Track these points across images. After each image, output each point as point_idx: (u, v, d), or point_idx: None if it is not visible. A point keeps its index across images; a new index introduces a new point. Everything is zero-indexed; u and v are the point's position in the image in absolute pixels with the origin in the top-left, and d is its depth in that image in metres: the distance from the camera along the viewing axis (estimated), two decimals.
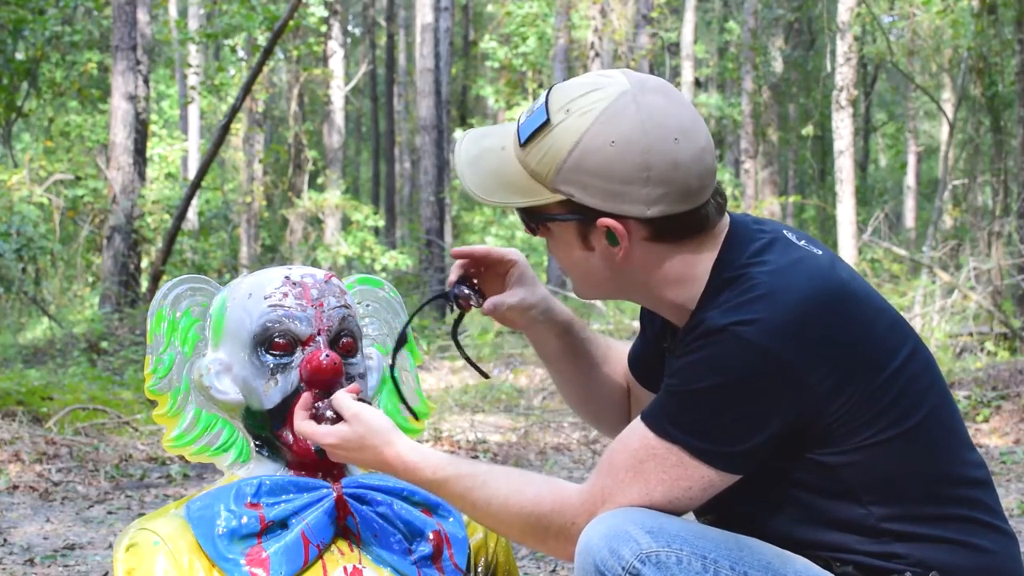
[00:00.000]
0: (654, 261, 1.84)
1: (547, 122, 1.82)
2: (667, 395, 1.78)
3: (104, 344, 11.53)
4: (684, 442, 1.75)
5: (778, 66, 21.05)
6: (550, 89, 1.87)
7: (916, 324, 10.46)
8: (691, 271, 1.84)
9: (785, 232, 1.89)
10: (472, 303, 2.07)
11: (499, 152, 1.88)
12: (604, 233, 1.82)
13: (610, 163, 1.78)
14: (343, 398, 1.95)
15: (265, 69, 18.13)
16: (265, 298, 2.03)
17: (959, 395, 7.55)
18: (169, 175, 20.52)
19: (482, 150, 1.90)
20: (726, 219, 1.89)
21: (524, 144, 1.84)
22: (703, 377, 1.74)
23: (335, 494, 1.97)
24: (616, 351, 2.21)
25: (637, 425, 1.80)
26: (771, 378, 1.72)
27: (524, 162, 1.84)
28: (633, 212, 1.79)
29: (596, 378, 2.18)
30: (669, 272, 1.84)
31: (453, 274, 2.09)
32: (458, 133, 21.53)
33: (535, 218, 1.87)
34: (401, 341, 2.11)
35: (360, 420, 1.92)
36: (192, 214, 18.79)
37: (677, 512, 1.79)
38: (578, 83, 1.85)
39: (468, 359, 2.12)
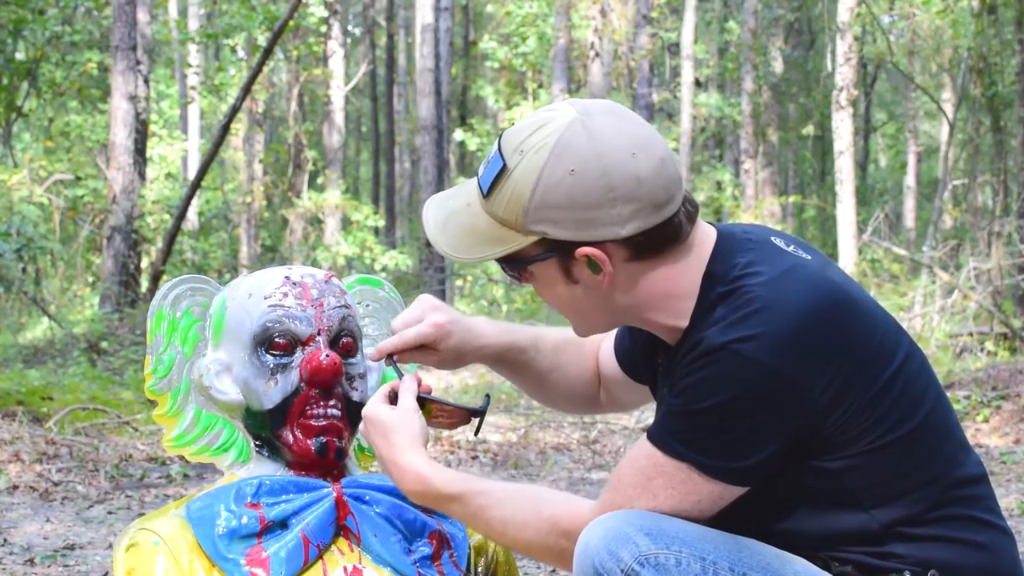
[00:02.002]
0: (638, 280, 1.83)
1: (504, 168, 1.81)
2: (672, 415, 1.79)
3: (104, 344, 11.53)
4: (693, 460, 1.76)
5: (778, 66, 21.05)
6: (500, 135, 1.86)
7: (916, 324, 10.47)
8: (676, 285, 1.83)
9: (773, 239, 1.88)
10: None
11: (466, 209, 1.87)
12: (585, 263, 1.81)
13: (574, 192, 1.77)
14: (409, 392, 1.96)
15: (265, 69, 18.14)
16: (265, 298, 2.03)
17: (959, 395, 7.56)
18: (169, 175, 20.52)
19: (449, 213, 1.89)
20: (709, 230, 1.88)
21: (487, 195, 1.83)
22: (707, 396, 1.74)
23: (335, 494, 1.97)
24: (566, 357, 2.19)
25: (643, 444, 1.81)
26: (775, 393, 1.73)
27: (492, 212, 1.83)
28: (608, 235, 1.78)
29: (547, 385, 2.19)
30: (655, 289, 1.83)
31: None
32: (458, 133, 21.63)
33: (516, 265, 1.86)
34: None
35: (404, 415, 1.93)
36: (192, 214, 18.79)
37: None
38: (526, 123, 1.84)
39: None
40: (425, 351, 2.07)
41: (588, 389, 2.22)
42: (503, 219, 1.82)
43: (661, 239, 1.81)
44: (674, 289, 1.83)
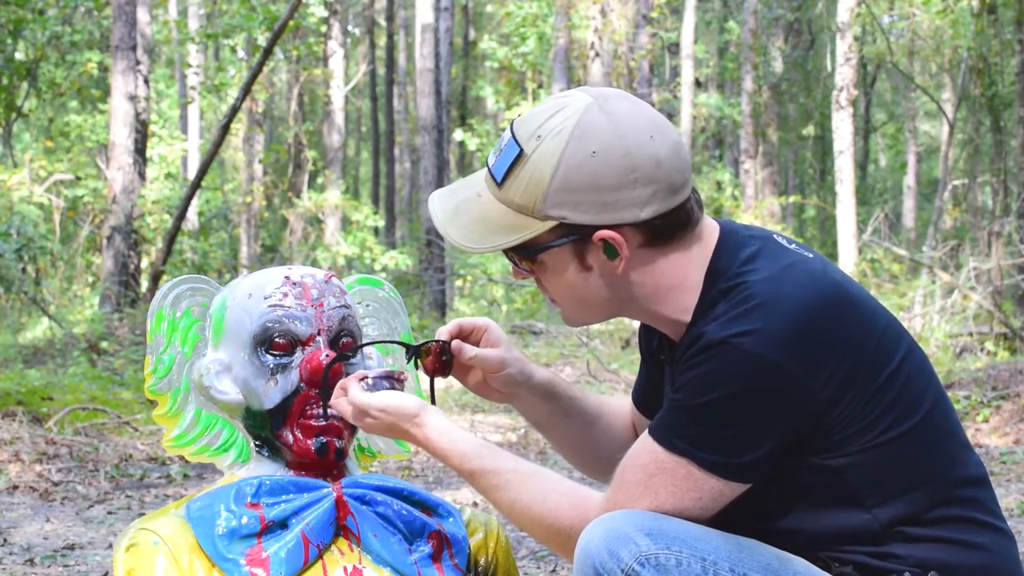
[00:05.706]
0: (650, 267, 1.83)
1: (521, 153, 1.80)
2: (673, 409, 1.78)
3: (104, 344, 11.52)
4: (692, 455, 1.75)
5: (778, 66, 21.05)
6: (512, 124, 1.85)
7: (916, 324, 10.46)
8: (684, 276, 1.83)
9: (775, 237, 1.89)
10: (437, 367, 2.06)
11: (476, 200, 1.86)
12: (601, 248, 1.80)
13: (596, 174, 1.77)
14: (360, 397, 1.94)
15: (265, 69, 18.13)
16: (265, 298, 2.02)
17: (959, 395, 7.55)
18: (169, 175, 20.51)
19: (458, 203, 1.88)
20: (713, 224, 1.89)
21: (502, 183, 1.82)
22: (707, 390, 1.74)
23: (335, 494, 1.97)
24: (610, 405, 2.20)
25: (645, 440, 1.80)
26: (774, 387, 1.72)
27: (507, 200, 1.82)
28: (627, 218, 1.78)
29: (593, 434, 2.17)
30: (664, 279, 1.83)
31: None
32: (458, 133, 21.61)
33: (529, 252, 1.84)
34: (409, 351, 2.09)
35: (388, 412, 1.92)
36: (192, 214, 18.78)
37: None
38: (541, 109, 1.84)
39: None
40: (483, 361, 2.06)
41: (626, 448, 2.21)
42: (520, 205, 1.81)
43: (675, 224, 1.81)
44: (681, 281, 1.83)
